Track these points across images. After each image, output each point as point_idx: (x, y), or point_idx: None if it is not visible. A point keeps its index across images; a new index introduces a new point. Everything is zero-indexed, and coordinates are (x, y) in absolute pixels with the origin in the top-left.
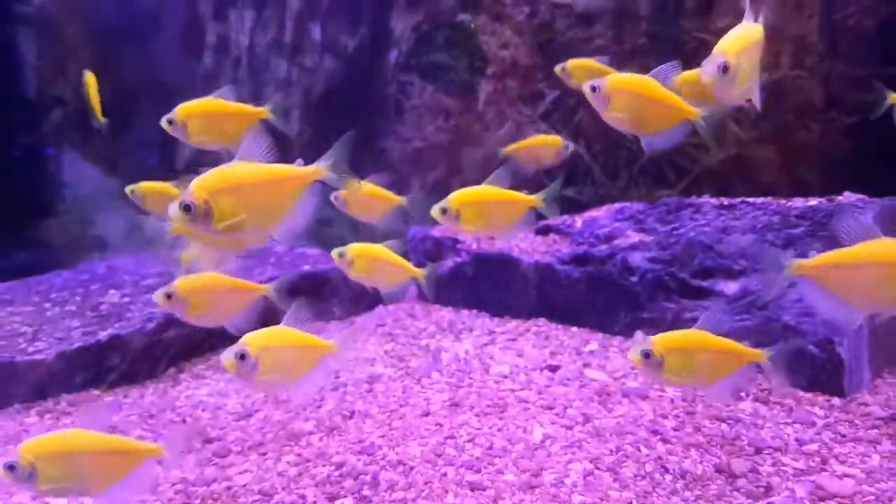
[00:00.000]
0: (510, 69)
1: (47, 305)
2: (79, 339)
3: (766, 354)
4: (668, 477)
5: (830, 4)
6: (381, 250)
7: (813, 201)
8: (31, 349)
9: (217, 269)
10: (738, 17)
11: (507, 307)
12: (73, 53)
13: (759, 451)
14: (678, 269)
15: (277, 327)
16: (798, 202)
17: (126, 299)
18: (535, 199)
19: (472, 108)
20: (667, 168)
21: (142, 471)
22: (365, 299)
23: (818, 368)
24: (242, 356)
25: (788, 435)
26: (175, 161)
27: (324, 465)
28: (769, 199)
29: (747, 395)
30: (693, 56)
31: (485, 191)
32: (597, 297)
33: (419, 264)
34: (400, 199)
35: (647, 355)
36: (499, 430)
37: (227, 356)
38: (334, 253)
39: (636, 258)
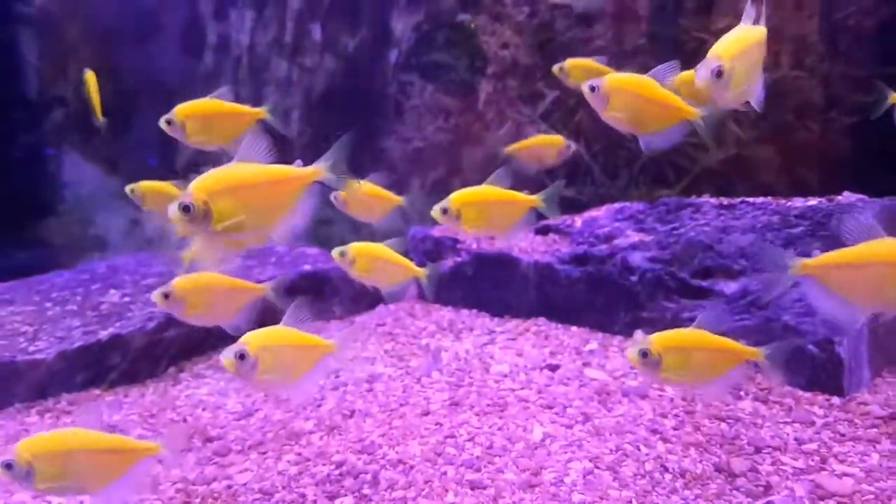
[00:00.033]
0: (510, 69)
1: (48, 305)
2: (79, 339)
3: (763, 353)
4: (668, 476)
5: (830, 4)
6: (383, 249)
7: (812, 201)
8: (31, 348)
9: (218, 268)
10: (738, 18)
11: (507, 307)
12: (74, 54)
13: (758, 450)
14: (678, 268)
15: (277, 327)
16: (798, 202)
17: (126, 299)
18: (536, 199)
19: (473, 107)
20: (667, 168)
21: (139, 469)
22: (365, 299)
23: (818, 368)
24: (242, 356)
25: (788, 434)
26: (175, 161)
27: (324, 464)
28: (769, 198)
29: (747, 394)
30: (693, 56)
31: (485, 191)
32: (596, 297)
33: (419, 264)
34: (399, 199)
35: (644, 354)
36: (499, 429)
37: (227, 355)
38: (335, 252)
39: (636, 258)
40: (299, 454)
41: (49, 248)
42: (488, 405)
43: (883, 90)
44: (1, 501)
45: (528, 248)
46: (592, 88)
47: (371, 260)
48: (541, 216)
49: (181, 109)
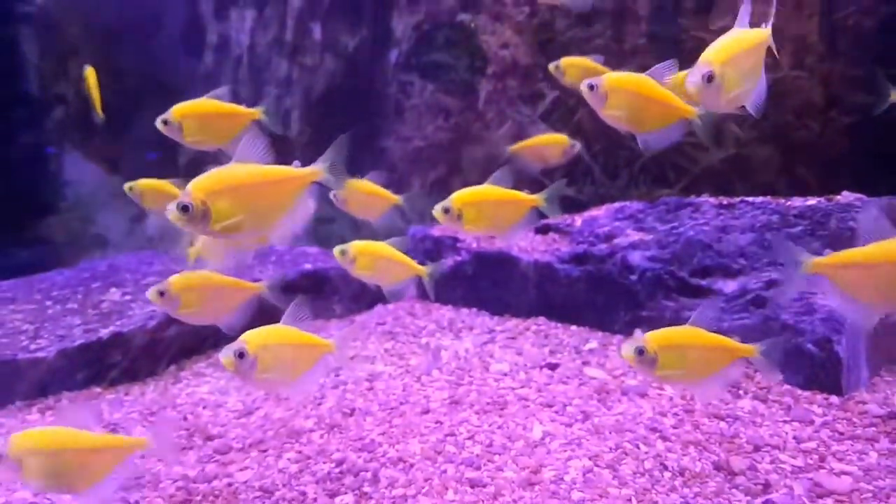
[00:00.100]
0: (510, 69)
1: (49, 303)
2: (80, 337)
3: (758, 349)
4: (667, 474)
5: (830, 4)
6: (384, 248)
7: (812, 201)
8: (32, 347)
9: (223, 265)
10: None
11: (507, 306)
12: (75, 53)
13: (757, 448)
14: (677, 267)
15: (276, 325)
16: (797, 201)
17: (127, 297)
18: (537, 198)
19: (473, 107)
20: (666, 168)
21: (129, 465)
22: (365, 297)
23: (816, 367)
24: (241, 354)
25: (787, 433)
26: (176, 160)
27: (324, 462)
28: (768, 198)
29: (746, 393)
30: (692, 55)
31: (486, 190)
32: (596, 296)
33: (419, 263)
34: (396, 198)
35: (640, 352)
36: (498, 427)
37: (226, 354)
38: (336, 250)
39: (636, 257)
40: (300, 452)
41: (50, 247)
42: (488, 404)
43: (886, 87)
44: (2, 499)
45: (528, 247)
46: (591, 87)
47: (372, 258)
48: (541, 215)
49: (178, 109)
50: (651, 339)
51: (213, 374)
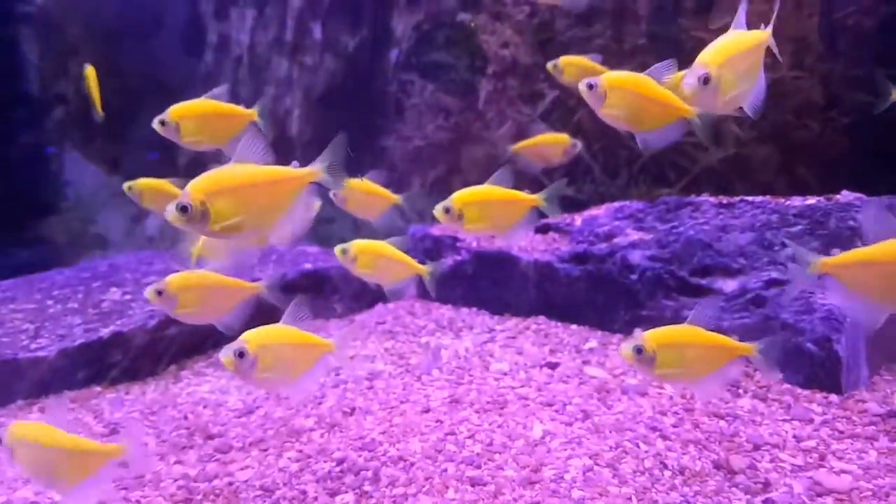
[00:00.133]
0: (510, 68)
1: (49, 303)
2: (81, 336)
3: (756, 348)
4: (667, 473)
5: (830, 4)
6: (385, 247)
7: (811, 200)
8: (33, 346)
9: (225, 265)
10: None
11: (507, 305)
12: (75, 53)
13: (757, 447)
14: (677, 267)
15: (276, 325)
16: (796, 201)
17: (127, 297)
18: (538, 198)
19: (473, 107)
20: (666, 167)
21: (104, 473)
22: (365, 297)
23: (816, 366)
24: (241, 353)
25: (786, 431)
26: (176, 160)
27: (325, 461)
28: (768, 197)
29: (745, 392)
30: (692, 55)
31: (487, 190)
32: (596, 295)
33: (419, 263)
34: (396, 198)
35: (638, 351)
36: (499, 426)
37: (226, 353)
38: (338, 249)
39: (636, 256)
40: (300, 451)
41: (50, 246)
42: (488, 403)
43: (887, 85)
44: (3, 498)
45: (528, 246)
46: (590, 86)
47: (373, 257)
48: (541, 215)
49: (175, 110)
50: (649, 337)
51: (213, 373)
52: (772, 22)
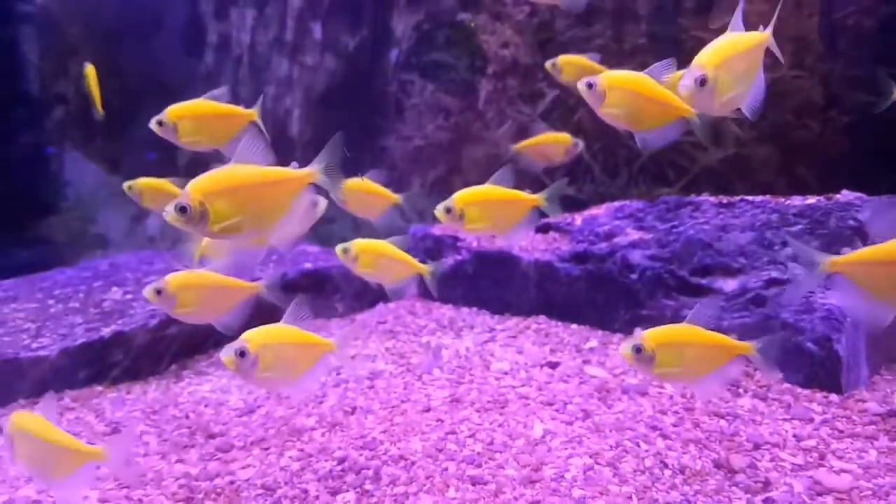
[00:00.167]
0: (510, 68)
1: (51, 302)
2: (82, 336)
3: (755, 347)
4: (668, 472)
5: (830, 4)
6: (386, 246)
7: (811, 199)
8: (34, 345)
9: (227, 264)
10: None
11: (508, 305)
12: (75, 53)
13: (757, 446)
14: (677, 266)
15: (277, 324)
16: (796, 200)
17: (129, 296)
18: (539, 198)
19: (473, 106)
20: (666, 166)
21: (84, 472)
22: (366, 296)
23: (816, 365)
24: (242, 353)
25: (786, 431)
26: (176, 160)
27: (326, 460)
28: (768, 197)
29: (746, 391)
30: (692, 55)
31: (488, 190)
32: (597, 295)
33: (420, 262)
34: (396, 197)
35: (638, 350)
36: (499, 425)
37: (227, 353)
38: (339, 248)
39: (636, 256)
40: (301, 450)
41: (51, 246)
42: (489, 402)
43: (888, 84)
44: (6, 496)
45: (529, 246)
46: (589, 85)
47: (374, 256)
48: (541, 214)
49: (173, 110)
50: (648, 336)
51: (214, 372)
52: (772, 23)
